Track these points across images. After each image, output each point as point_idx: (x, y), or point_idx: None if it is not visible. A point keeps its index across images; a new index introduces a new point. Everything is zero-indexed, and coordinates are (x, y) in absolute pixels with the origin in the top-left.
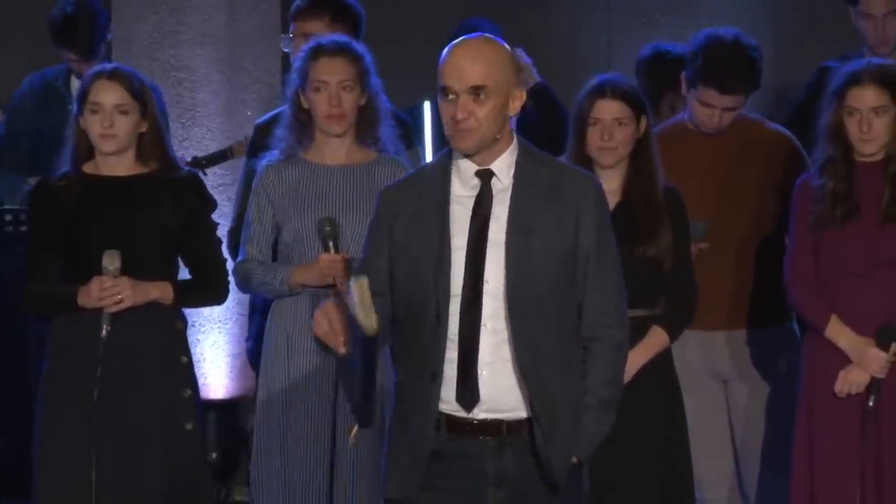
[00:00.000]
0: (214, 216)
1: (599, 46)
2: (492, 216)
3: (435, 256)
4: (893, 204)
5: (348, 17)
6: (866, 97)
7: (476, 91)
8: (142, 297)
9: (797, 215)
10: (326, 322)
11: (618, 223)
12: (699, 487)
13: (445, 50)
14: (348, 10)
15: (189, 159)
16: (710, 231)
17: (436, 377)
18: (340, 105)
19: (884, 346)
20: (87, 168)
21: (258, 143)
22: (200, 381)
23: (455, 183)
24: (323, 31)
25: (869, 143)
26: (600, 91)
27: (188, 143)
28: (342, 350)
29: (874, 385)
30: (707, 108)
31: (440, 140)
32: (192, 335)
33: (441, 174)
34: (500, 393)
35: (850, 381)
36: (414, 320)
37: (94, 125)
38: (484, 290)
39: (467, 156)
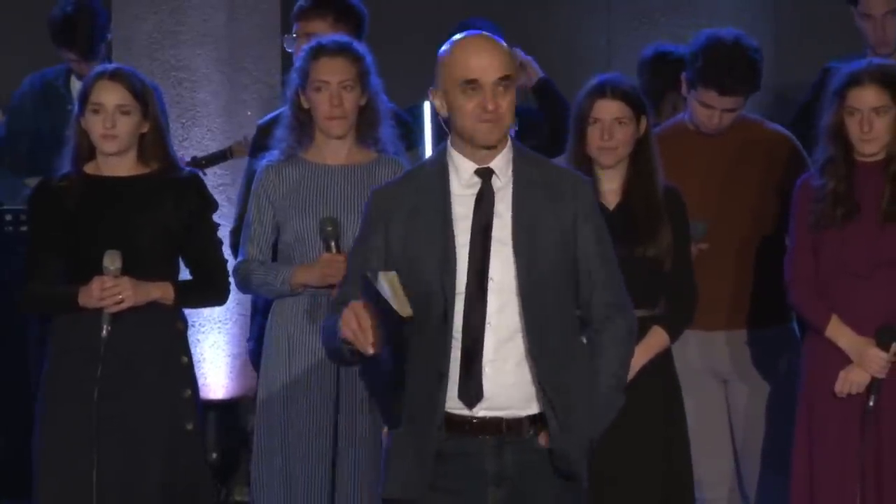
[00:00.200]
0: (215, 217)
1: (599, 46)
2: (494, 214)
3: (439, 256)
4: (894, 204)
5: (352, 18)
6: (867, 97)
7: (502, 82)
8: (143, 297)
9: (797, 215)
10: (355, 321)
11: (618, 223)
12: (699, 487)
13: (455, 46)
14: (352, 10)
15: (188, 159)
16: (710, 231)
17: (443, 377)
18: (341, 105)
19: (884, 346)
20: (89, 168)
21: (260, 143)
22: (200, 382)
23: (453, 181)
24: (326, 31)
25: (869, 143)
26: (600, 91)
27: (188, 143)
28: (371, 350)
29: (874, 385)
30: (707, 109)
31: (440, 140)
32: (193, 335)
33: (438, 173)
34: (502, 390)
35: (851, 381)
36: (422, 321)
37: (95, 125)
38: (489, 288)
39: (473, 152)
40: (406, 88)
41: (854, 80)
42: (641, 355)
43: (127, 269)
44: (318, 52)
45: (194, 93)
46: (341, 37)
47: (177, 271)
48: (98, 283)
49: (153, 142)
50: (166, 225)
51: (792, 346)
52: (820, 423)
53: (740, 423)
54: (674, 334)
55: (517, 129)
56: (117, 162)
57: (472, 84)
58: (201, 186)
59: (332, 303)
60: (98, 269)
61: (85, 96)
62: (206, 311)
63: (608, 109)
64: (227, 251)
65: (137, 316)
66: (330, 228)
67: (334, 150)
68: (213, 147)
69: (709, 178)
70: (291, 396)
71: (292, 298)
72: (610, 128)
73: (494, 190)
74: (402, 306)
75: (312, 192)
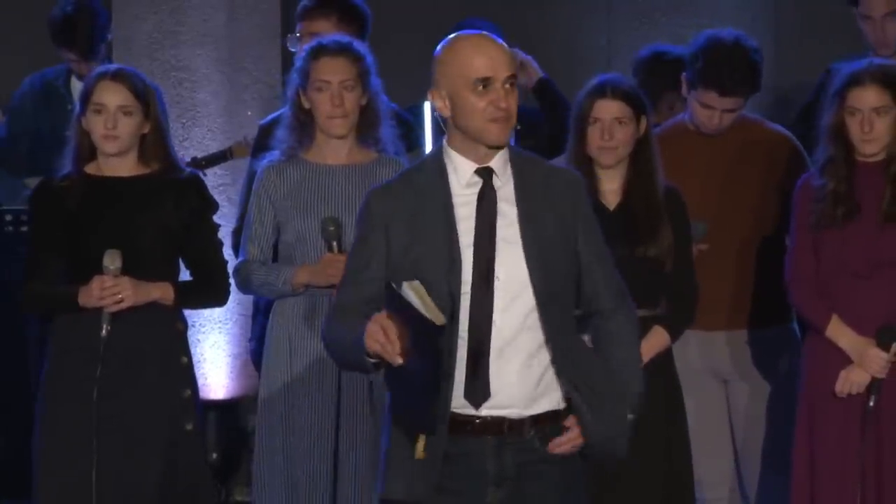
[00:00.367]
0: (215, 217)
1: (600, 46)
2: (497, 213)
3: (444, 256)
4: (894, 204)
5: (356, 18)
6: (867, 97)
7: (510, 80)
8: (142, 296)
9: (798, 215)
10: (382, 333)
11: (618, 223)
12: (699, 487)
13: (460, 45)
14: (356, 10)
15: (188, 160)
16: (710, 231)
17: (450, 377)
18: (342, 105)
19: (884, 346)
20: (90, 169)
21: (261, 143)
22: (201, 382)
23: (453, 182)
24: (330, 31)
25: (870, 143)
26: (600, 91)
27: (188, 144)
28: (399, 361)
29: (875, 385)
30: (707, 110)
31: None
32: (193, 335)
33: (437, 174)
34: (506, 389)
35: (851, 381)
36: None
37: (97, 126)
38: (495, 286)
39: (474, 152)
40: (406, 88)
41: (855, 81)
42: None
43: (127, 270)
44: (319, 51)
45: (194, 93)
46: (342, 37)
47: (177, 272)
48: (98, 283)
49: (154, 142)
50: (167, 225)
51: (792, 347)
52: (820, 424)
53: (741, 423)
54: (674, 334)
55: (518, 129)
56: (118, 162)
57: (484, 82)
58: (202, 187)
59: (332, 303)
60: (98, 269)
61: (87, 96)
62: (207, 312)
63: (608, 109)
64: (228, 251)
65: (137, 316)
66: (332, 228)
67: (335, 150)
68: (213, 147)
69: (709, 178)
70: (293, 396)
71: (293, 298)
72: (610, 128)
73: (496, 189)
74: (435, 314)
75: (313, 192)
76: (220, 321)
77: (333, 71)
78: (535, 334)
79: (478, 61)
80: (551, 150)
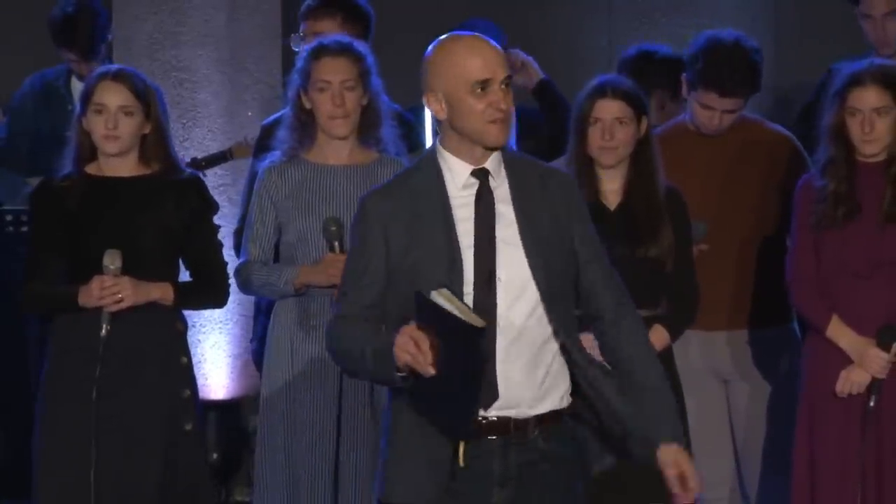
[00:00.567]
0: (216, 218)
1: (600, 47)
2: (495, 213)
3: (444, 258)
4: (894, 205)
5: (360, 18)
6: (868, 98)
7: (507, 80)
8: (142, 296)
9: (799, 215)
10: (412, 344)
11: (619, 224)
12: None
13: (456, 47)
14: (360, 10)
15: (188, 160)
16: (710, 231)
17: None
18: (344, 105)
19: (885, 347)
20: (90, 169)
21: (263, 144)
22: (201, 382)
23: (449, 184)
24: (335, 31)
25: (871, 143)
26: (601, 91)
27: (189, 144)
28: (432, 371)
29: (875, 385)
30: (707, 111)
31: None
32: (193, 336)
33: (433, 176)
34: (512, 389)
35: (852, 381)
36: None
37: (97, 126)
38: (497, 287)
39: (470, 154)
40: (407, 88)
41: (855, 81)
42: None
43: (127, 270)
44: (320, 52)
45: (195, 93)
46: (342, 37)
47: (177, 272)
48: (98, 283)
49: (155, 143)
50: (167, 226)
51: (793, 347)
52: (821, 424)
53: (741, 423)
54: (675, 334)
55: (517, 129)
56: (118, 162)
57: (483, 84)
58: (202, 188)
59: (333, 312)
60: (98, 269)
61: (87, 96)
62: (207, 312)
63: (609, 109)
64: (228, 252)
65: (137, 316)
66: (334, 228)
67: (336, 150)
68: (213, 148)
69: (709, 178)
70: (294, 396)
71: (294, 299)
72: (611, 127)
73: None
74: (473, 317)
75: (315, 193)
76: (220, 321)
77: (334, 71)
78: (538, 334)
79: (475, 63)
80: (551, 152)
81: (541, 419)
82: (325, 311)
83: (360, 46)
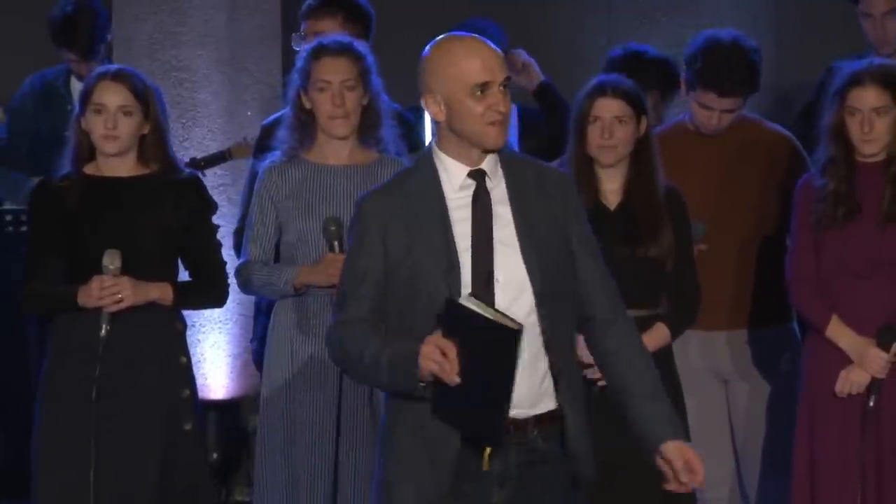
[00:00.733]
0: (215, 218)
1: (600, 46)
2: (493, 214)
3: (443, 260)
4: (894, 204)
5: (361, 18)
6: (868, 97)
7: (505, 82)
8: (142, 296)
9: (799, 215)
10: (439, 353)
11: (619, 223)
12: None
13: (455, 48)
14: (361, 10)
15: (187, 160)
16: (710, 231)
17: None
18: (344, 105)
19: (885, 347)
20: (89, 169)
21: (263, 144)
22: (201, 382)
23: (445, 185)
24: (336, 30)
25: (870, 143)
26: (601, 90)
27: (189, 144)
28: (457, 379)
29: (875, 385)
30: (706, 111)
31: None
32: (193, 335)
33: (429, 177)
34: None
35: (851, 381)
36: (422, 327)
37: (97, 126)
38: (495, 289)
39: (467, 155)
40: (408, 88)
41: (855, 81)
42: None
43: (127, 270)
44: (320, 52)
45: (195, 93)
46: (342, 36)
47: (176, 272)
48: (97, 283)
49: (154, 143)
50: (166, 226)
51: (792, 346)
52: (820, 424)
53: (741, 423)
54: (675, 332)
55: (519, 129)
56: (118, 162)
57: (483, 87)
58: (201, 188)
59: (334, 318)
60: (98, 270)
61: (87, 96)
62: (207, 312)
63: (608, 108)
64: (228, 252)
65: (136, 316)
66: (334, 228)
67: (336, 150)
68: (213, 148)
69: (709, 178)
70: (294, 395)
71: (295, 299)
72: (610, 126)
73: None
74: (507, 321)
75: (315, 193)
76: (220, 321)
77: (334, 71)
78: (536, 334)
79: (475, 66)
80: (551, 152)
81: (539, 419)
82: (325, 311)
83: (360, 46)
